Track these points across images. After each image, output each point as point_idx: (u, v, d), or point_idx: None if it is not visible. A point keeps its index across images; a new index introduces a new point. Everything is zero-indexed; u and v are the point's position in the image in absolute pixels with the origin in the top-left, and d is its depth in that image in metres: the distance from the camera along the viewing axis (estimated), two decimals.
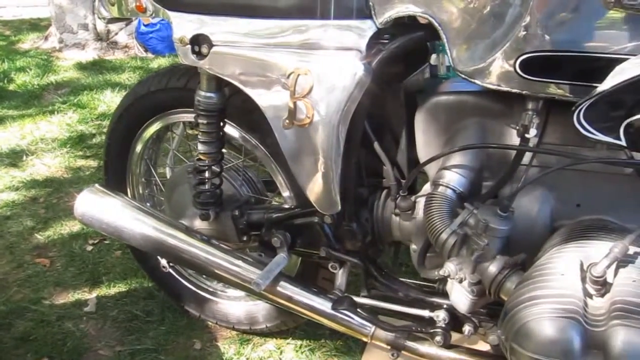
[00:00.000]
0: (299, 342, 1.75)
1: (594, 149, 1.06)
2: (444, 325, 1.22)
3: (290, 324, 1.70)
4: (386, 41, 1.14)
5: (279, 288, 1.36)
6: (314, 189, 1.22)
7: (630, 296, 0.86)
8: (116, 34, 5.00)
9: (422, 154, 1.24)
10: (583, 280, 0.90)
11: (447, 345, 1.23)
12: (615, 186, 1.06)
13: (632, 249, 0.96)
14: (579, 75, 0.94)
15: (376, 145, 1.24)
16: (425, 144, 1.23)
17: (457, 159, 1.17)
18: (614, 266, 0.90)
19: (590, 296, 0.89)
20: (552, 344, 0.86)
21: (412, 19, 1.14)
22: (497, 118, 1.13)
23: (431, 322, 1.24)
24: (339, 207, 1.22)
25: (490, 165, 1.17)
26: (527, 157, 1.10)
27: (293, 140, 1.20)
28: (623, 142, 0.93)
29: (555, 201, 1.13)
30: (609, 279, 0.90)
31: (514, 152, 1.11)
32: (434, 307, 1.24)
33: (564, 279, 0.91)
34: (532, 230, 1.12)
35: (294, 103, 1.16)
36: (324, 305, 1.32)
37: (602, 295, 0.89)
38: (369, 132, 1.23)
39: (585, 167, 1.08)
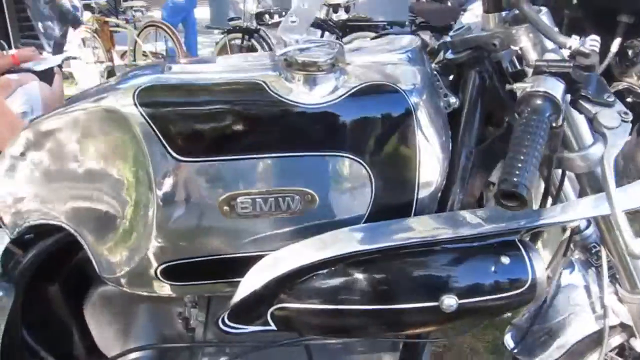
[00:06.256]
0: None
1: None
2: None
3: None
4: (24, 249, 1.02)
5: None
6: None
7: None
8: None
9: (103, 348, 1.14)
10: None
11: None
12: None
13: None
14: (220, 274, 0.93)
15: (44, 354, 1.09)
16: (102, 338, 1.12)
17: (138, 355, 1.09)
18: None
19: None
20: None
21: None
22: (168, 309, 1.08)
23: None
24: None
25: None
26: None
27: None
28: (273, 326, 0.95)
29: None
30: None
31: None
32: None
33: None
34: None
35: None
36: None
37: None
38: (31, 343, 1.08)
39: None
